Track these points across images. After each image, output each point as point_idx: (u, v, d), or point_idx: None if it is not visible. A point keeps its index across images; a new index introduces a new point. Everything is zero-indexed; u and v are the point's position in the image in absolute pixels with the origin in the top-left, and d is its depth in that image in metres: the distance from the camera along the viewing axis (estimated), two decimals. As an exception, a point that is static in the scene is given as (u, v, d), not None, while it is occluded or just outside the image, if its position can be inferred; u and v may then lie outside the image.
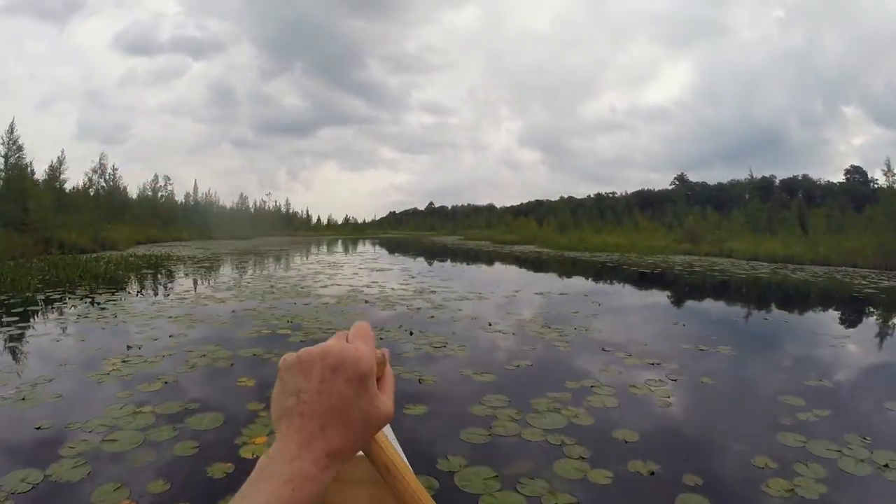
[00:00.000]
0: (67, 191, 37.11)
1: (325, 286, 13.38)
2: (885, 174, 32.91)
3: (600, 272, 21.29)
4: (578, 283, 17.76)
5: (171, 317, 8.78)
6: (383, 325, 8.34)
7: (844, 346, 8.12)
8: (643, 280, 18.24)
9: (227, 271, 17.89)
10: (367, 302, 10.77)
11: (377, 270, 18.20)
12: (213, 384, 5.44)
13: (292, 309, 9.68)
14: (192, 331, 7.76)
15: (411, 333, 7.82)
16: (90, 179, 43.25)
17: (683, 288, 16.50)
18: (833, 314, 12.42)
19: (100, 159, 44.15)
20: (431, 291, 12.60)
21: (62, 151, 39.81)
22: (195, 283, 14.12)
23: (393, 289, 13.03)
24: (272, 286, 13.04)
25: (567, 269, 22.72)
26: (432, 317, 9.30)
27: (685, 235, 40.58)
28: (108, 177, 45.17)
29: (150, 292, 12.23)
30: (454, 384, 5.59)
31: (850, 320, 11.30)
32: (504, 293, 12.90)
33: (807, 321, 11.35)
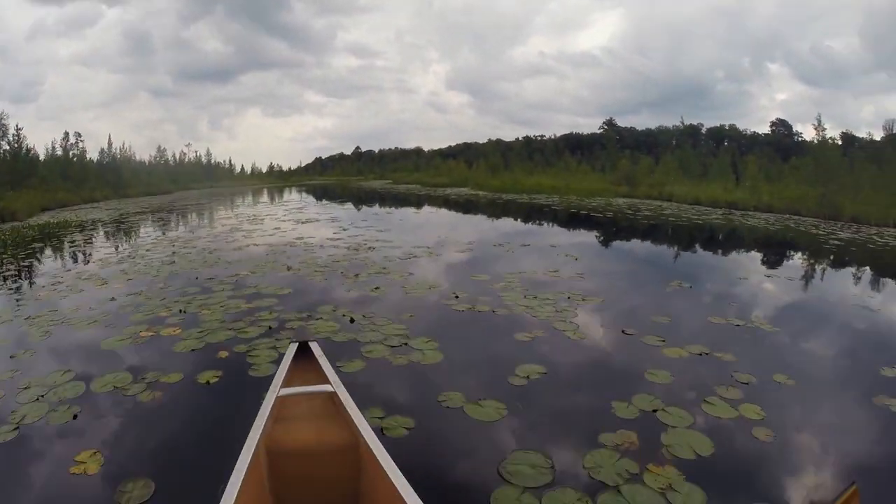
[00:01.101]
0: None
1: (240, 248, 10.55)
2: (815, 129, 34.47)
3: (548, 216, 19.21)
4: (530, 229, 15.54)
5: (27, 318, 5.85)
6: (312, 308, 5.84)
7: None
8: (599, 226, 16.27)
9: (127, 236, 14.57)
10: (290, 269, 8.08)
11: (303, 223, 15.30)
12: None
13: (190, 288, 6.93)
14: (42, 343, 5.00)
15: (352, 321, 5.36)
16: None
17: (649, 236, 14.58)
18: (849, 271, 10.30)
19: (0, 118, 37.42)
20: (369, 248, 10.04)
21: None
22: (80, 257, 10.86)
23: (322, 246, 10.38)
24: (174, 253, 10.04)
25: (510, 212, 20.57)
26: (377, 288, 6.83)
27: (621, 178, 39.30)
28: (10, 138, 38.63)
29: (19, 277, 8.90)
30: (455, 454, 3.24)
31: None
32: (456, 247, 10.52)
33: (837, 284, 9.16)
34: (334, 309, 5.75)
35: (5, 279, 8.58)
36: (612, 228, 15.91)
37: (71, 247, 12.11)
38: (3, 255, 11.04)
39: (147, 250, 10.67)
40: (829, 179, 25.94)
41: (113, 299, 6.54)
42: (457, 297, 6.32)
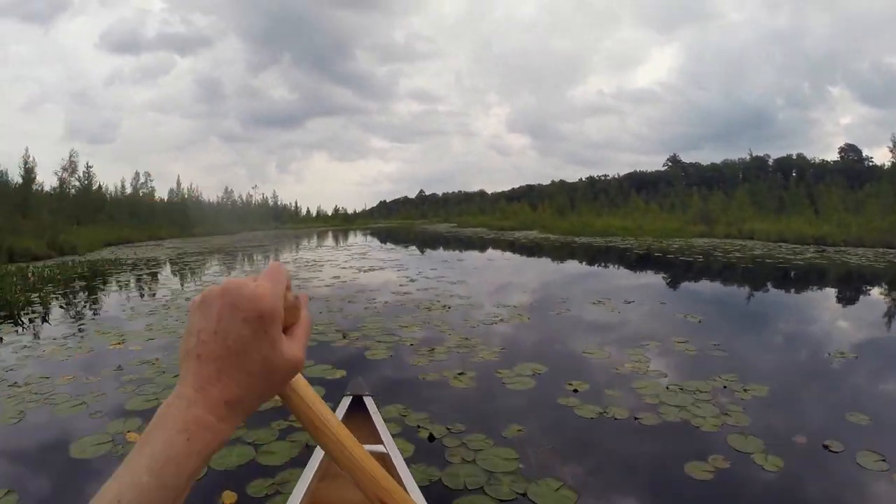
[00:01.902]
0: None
1: None
2: (891, 150, 32.39)
3: (633, 262, 17.03)
4: (622, 279, 13.43)
5: (12, 384, 4.59)
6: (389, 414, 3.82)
7: None
8: (697, 274, 14.06)
9: (175, 279, 13.46)
10: (345, 337, 6.29)
11: (365, 271, 13.77)
12: None
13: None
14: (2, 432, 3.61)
15: (431, 439, 3.51)
16: (60, 179, 38.22)
17: (757, 283, 12.21)
18: None
19: (70, 156, 38.82)
20: (443, 306, 8.22)
21: (25, 149, 34.68)
22: (114, 302, 9.64)
23: (386, 303, 8.66)
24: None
25: (590, 258, 18.50)
26: (461, 374, 4.92)
27: (697, 217, 36.52)
28: (80, 175, 40.01)
29: (37, 322, 7.69)
30: None
31: None
32: (548, 305, 8.62)
33: None
34: (403, 414, 3.90)
35: (22, 324, 7.39)
36: (711, 276, 13.68)
37: (111, 288, 11.03)
38: (39, 293, 10.00)
39: (186, 299, 9.30)
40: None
41: (119, 368, 5.09)
42: (575, 390, 4.41)
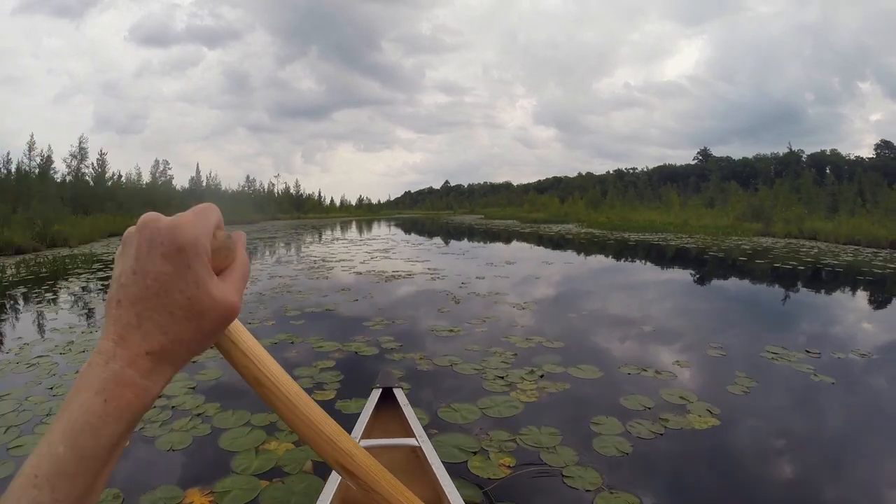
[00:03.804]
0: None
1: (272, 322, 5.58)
2: None
3: (715, 269, 12.95)
4: (727, 297, 9.60)
5: None
6: None
7: None
8: (805, 282, 10.25)
9: None
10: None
11: (387, 280, 9.99)
12: None
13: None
14: None
15: None
16: (69, 167, 34.81)
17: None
18: None
19: (79, 143, 35.30)
20: (538, 376, 4.57)
21: (31, 136, 31.53)
22: (62, 315, 6.34)
23: (419, 335, 5.06)
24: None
25: (656, 260, 14.79)
26: None
27: (748, 214, 32.30)
28: (94, 162, 36.54)
29: None
30: None
31: None
32: (696, 359, 4.94)
33: None
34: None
35: None
36: (835, 291, 9.78)
37: (73, 294, 7.74)
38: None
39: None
40: None
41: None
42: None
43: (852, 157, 66.22)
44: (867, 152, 61.95)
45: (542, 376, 4.31)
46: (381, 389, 2.53)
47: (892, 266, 12.63)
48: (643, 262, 14.98)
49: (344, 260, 13.48)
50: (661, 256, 15.83)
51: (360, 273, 10.83)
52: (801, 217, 29.03)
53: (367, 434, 2.24)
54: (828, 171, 61.79)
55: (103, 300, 6.28)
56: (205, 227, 0.39)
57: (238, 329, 0.44)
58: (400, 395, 2.50)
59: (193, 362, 4.56)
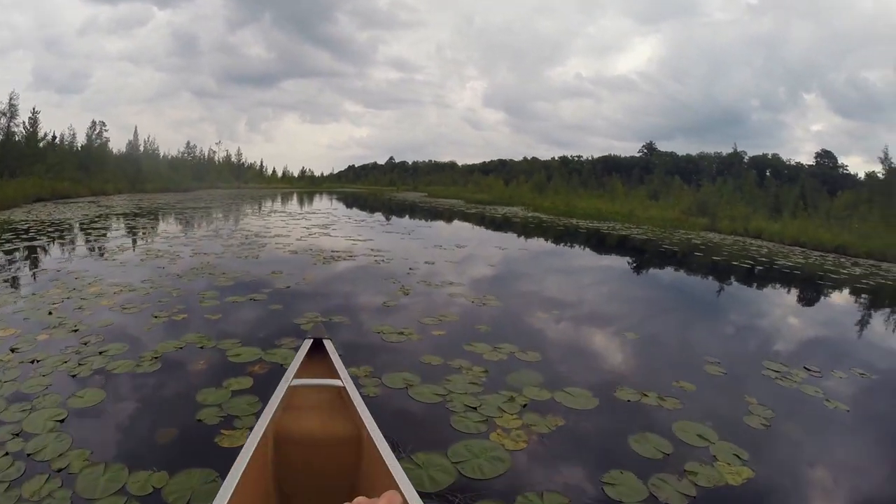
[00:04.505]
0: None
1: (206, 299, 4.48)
2: (881, 162, 30.53)
3: (699, 268, 12.37)
4: (695, 290, 9.00)
5: None
6: None
7: None
8: (773, 280, 9.82)
9: (64, 251, 8.47)
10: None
11: (325, 262, 8.83)
12: None
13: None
14: None
15: None
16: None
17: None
18: None
19: (10, 99, 31.29)
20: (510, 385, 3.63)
21: None
22: None
23: (363, 339, 4.01)
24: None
25: (619, 249, 14.17)
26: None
27: (695, 209, 32.48)
28: (25, 121, 32.50)
29: None
30: None
31: None
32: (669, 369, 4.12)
33: None
34: None
35: None
36: (783, 284, 9.36)
37: None
38: None
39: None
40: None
41: None
42: None
43: (793, 162, 68.58)
44: (806, 159, 64.54)
45: (525, 405, 3.36)
46: (311, 340, 2.65)
47: (845, 272, 12.43)
48: (592, 250, 14.38)
49: (280, 235, 12.13)
50: (610, 245, 15.27)
51: (296, 252, 9.60)
52: (746, 216, 29.38)
53: (297, 375, 2.29)
54: (768, 173, 63.96)
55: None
56: None
57: None
58: (329, 345, 2.61)
59: (73, 376, 3.39)
